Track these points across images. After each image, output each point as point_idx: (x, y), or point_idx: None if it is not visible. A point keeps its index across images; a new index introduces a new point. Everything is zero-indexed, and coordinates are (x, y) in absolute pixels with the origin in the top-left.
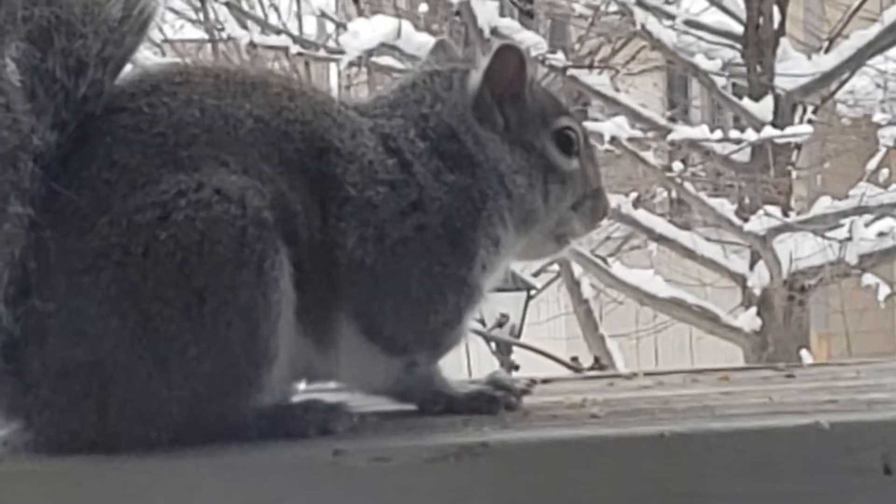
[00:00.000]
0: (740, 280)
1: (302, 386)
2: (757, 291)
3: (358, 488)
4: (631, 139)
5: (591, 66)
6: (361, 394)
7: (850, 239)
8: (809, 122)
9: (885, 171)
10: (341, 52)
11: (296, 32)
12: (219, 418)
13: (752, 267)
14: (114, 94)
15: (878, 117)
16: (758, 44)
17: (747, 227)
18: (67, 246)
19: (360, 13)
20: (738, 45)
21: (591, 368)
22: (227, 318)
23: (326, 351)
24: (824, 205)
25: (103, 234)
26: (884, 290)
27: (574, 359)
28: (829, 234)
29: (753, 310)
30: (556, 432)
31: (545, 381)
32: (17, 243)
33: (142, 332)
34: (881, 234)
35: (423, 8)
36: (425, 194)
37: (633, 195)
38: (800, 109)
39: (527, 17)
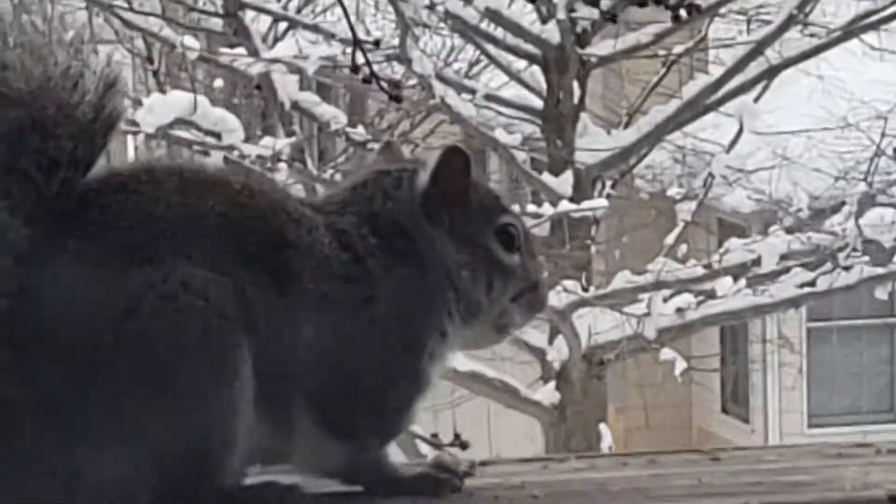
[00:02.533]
0: (539, 354)
1: (257, 468)
2: (556, 365)
3: None
4: None
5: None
6: (313, 476)
7: (648, 314)
8: (608, 196)
9: (683, 246)
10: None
11: None
12: (182, 500)
13: (551, 341)
14: (83, 190)
15: (673, 191)
16: (558, 118)
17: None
18: (38, 337)
19: (160, 86)
20: (538, 120)
21: (452, 444)
22: (193, 404)
23: (282, 435)
24: (623, 279)
25: (74, 325)
26: (681, 365)
27: (434, 435)
28: (627, 308)
29: (552, 384)
30: None
31: (483, 464)
32: None
33: (111, 418)
34: (679, 310)
35: (219, 83)
36: (378, 288)
37: None
38: (599, 184)
39: (394, 100)
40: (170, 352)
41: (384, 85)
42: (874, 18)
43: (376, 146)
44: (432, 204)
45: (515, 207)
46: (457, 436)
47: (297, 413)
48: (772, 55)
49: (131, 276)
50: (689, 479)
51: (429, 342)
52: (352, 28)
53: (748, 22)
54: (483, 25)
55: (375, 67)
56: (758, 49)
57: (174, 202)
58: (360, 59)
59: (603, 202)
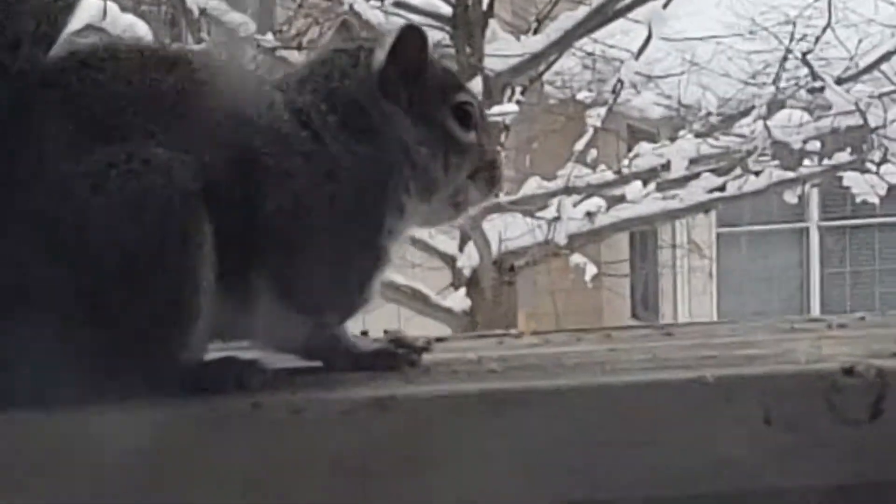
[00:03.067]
0: (450, 261)
1: (217, 344)
2: (466, 272)
3: (275, 439)
4: None
5: (299, 48)
6: (273, 351)
7: (558, 219)
8: (518, 102)
9: (593, 152)
10: None
11: None
12: (145, 374)
13: (461, 248)
14: (45, 69)
15: (583, 96)
16: (467, 25)
17: None
18: (3, 212)
19: None
20: (447, 27)
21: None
22: (155, 281)
23: (243, 311)
24: (533, 185)
25: (39, 201)
26: (591, 270)
27: (364, 333)
28: (537, 214)
29: (463, 290)
30: (459, 386)
31: (439, 340)
32: None
33: (74, 293)
34: (589, 215)
35: None
36: (336, 165)
37: None
38: (508, 90)
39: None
40: (133, 228)
41: None
42: None
43: (284, 53)
44: (389, 81)
45: None
46: (385, 332)
47: (257, 289)
48: None
49: (95, 154)
50: (643, 354)
51: (387, 218)
52: None
53: None
54: None
55: None
56: None
57: (135, 80)
58: None
59: (513, 107)
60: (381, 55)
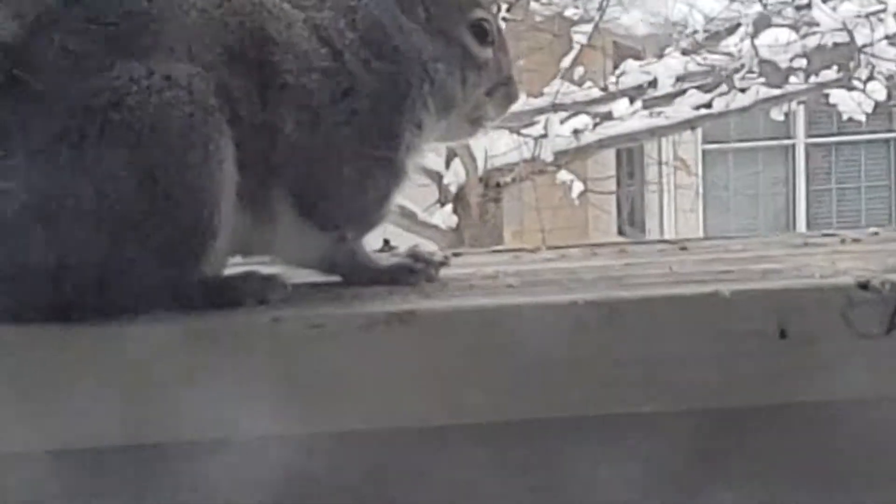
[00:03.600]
0: (436, 177)
1: (237, 259)
2: (453, 189)
3: (295, 353)
4: None
5: None
6: (292, 266)
7: (544, 136)
8: (504, 20)
9: (579, 69)
10: None
11: None
12: (166, 288)
13: (447, 164)
14: None
15: (569, 13)
16: None
17: None
18: (27, 128)
19: None
20: None
21: (381, 250)
22: (177, 195)
23: (263, 226)
24: (520, 102)
25: (61, 117)
26: (577, 188)
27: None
28: (524, 131)
29: (449, 207)
30: (478, 300)
31: (455, 255)
32: None
33: (96, 209)
34: (576, 132)
35: None
36: (356, 81)
37: None
38: (494, 7)
39: None
40: (154, 143)
41: None
42: None
43: None
44: None
45: None
46: (386, 241)
47: (277, 204)
48: None
49: (115, 70)
50: (659, 268)
51: (405, 134)
52: None
53: None
54: None
55: None
56: None
57: None
58: None
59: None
60: None
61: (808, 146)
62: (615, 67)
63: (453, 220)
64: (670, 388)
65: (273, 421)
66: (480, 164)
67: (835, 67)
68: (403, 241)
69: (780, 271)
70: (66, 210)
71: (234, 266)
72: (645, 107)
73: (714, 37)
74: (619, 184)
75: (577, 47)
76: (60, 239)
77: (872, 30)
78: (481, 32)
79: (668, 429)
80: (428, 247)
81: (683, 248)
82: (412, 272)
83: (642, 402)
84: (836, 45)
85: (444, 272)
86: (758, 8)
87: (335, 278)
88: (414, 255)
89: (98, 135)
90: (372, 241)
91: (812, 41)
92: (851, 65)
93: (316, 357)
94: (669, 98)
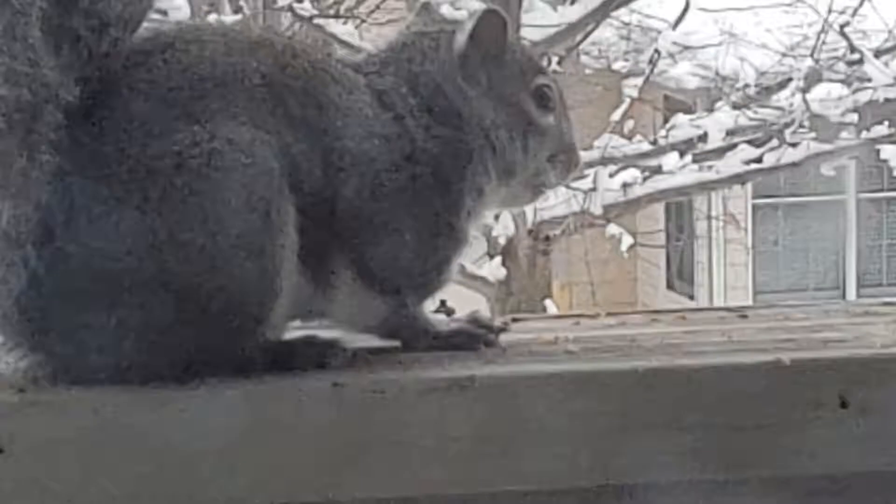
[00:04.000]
0: (485, 230)
1: (297, 323)
2: (502, 241)
3: (355, 419)
4: None
5: (336, 16)
6: (352, 331)
7: (594, 189)
8: (554, 72)
9: (629, 122)
10: None
11: None
12: (227, 352)
13: (497, 217)
14: (131, 50)
15: (619, 66)
16: None
17: None
18: (90, 192)
19: None
20: None
21: (438, 311)
22: (238, 260)
23: (323, 291)
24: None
25: (123, 180)
26: (627, 241)
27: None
28: (573, 184)
29: (498, 259)
30: (537, 367)
31: (515, 320)
32: (45, 189)
33: (158, 272)
34: (625, 185)
35: None
36: (417, 147)
37: None
38: (545, 60)
39: None
40: (216, 208)
41: None
42: None
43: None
44: (470, 64)
45: None
46: (442, 302)
47: (338, 269)
48: None
49: (178, 134)
50: (719, 336)
51: (467, 200)
52: None
53: None
54: None
55: None
56: None
57: (219, 62)
58: None
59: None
60: (462, 38)
61: (858, 202)
62: (665, 121)
63: (502, 273)
64: (731, 455)
65: (332, 485)
66: (530, 216)
67: (886, 123)
68: (450, 293)
69: (841, 340)
70: (127, 273)
71: (295, 330)
72: (695, 161)
73: (765, 91)
74: (668, 237)
75: (627, 100)
76: (121, 302)
77: None
78: (543, 99)
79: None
80: (487, 313)
81: (743, 316)
82: (472, 338)
83: (699, 469)
84: (887, 100)
85: (503, 337)
86: (809, 62)
87: (395, 343)
88: (474, 320)
89: (160, 198)
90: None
91: (864, 96)
92: None
93: (376, 422)
94: (720, 152)
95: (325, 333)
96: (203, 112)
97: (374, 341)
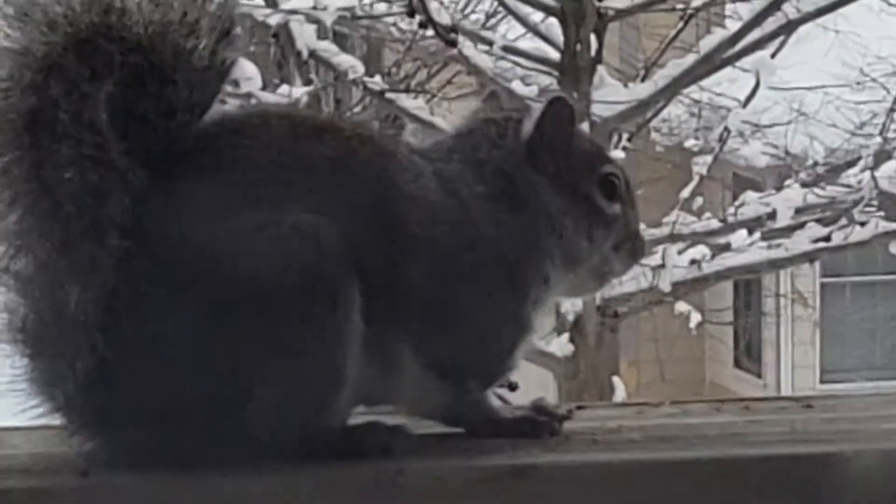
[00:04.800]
0: (555, 306)
1: (361, 408)
2: (570, 317)
3: None
4: None
5: (407, 90)
6: (416, 416)
7: (663, 266)
8: (624, 149)
9: (698, 199)
10: None
11: None
12: (293, 439)
13: None
14: (199, 133)
15: (690, 144)
16: (574, 70)
17: None
18: (154, 275)
19: None
20: (555, 72)
21: (501, 385)
22: (303, 346)
23: (388, 377)
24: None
25: (187, 265)
26: (695, 318)
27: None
28: (642, 261)
29: (566, 335)
30: (600, 456)
31: (579, 408)
32: (112, 273)
33: (222, 359)
34: (694, 262)
35: (239, 31)
36: (482, 234)
37: None
38: (615, 137)
39: (449, 45)
40: (281, 294)
41: (440, 30)
42: None
43: (392, 95)
44: (537, 152)
45: None
46: (509, 382)
47: (402, 355)
48: (789, 10)
49: (243, 218)
50: (783, 427)
51: (532, 288)
52: None
53: None
54: None
55: (390, 18)
56: (775, 4)
57: (286, 147)
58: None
59: (620, 154)
60: (529, 125)
61: None
62: (734, 198)
63: (569, 349)
64: None
65: None
66: (598, 293)
67: None
68: (518, 369)
69: None
70: (190, 359)
71: (359, 415)
72: (763, 238)
73: (834, 169)
74: (736, 315)
75: (696, 178)
76: (184, 388)
77: None
78: (610, 188)
79: None
80: (551, 400)
81: (808, 406)
82: (537, 425)
83: None
84: None
85: (567, 425)
86: (878, 140)
87: (459, 430)
88: (538, 407)
89: (223, 287)
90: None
91: None
92: None
93: None
94: (788, 230)
95: (390, 419)
96: (268, 198)
97: (439, 427)
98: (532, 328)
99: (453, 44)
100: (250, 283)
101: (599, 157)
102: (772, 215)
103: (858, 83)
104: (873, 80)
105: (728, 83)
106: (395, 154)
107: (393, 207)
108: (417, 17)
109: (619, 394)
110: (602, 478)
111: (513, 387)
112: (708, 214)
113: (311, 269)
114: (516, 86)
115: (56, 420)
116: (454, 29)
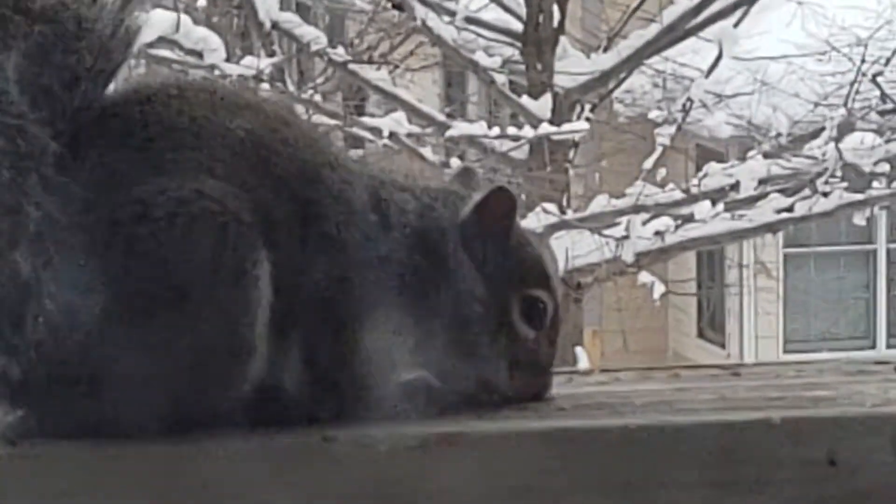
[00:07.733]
0: None
1: None
2: None
3: (345, 473)
4: (409, 135)
5: (370, 61)
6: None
7: (626, 237)
8: (587, 120)
9: (661, 171)
10: None
11: None
12: (205, 407)
13: None
14: (107, 102)
15: (653, 115)
16: (537, 42)
17: (524, 223)
18: (64, 244)
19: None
20: (518, 43)
21: None
22: (208, 314)
23: (278, 357)
24: (601, 203)
25: (90, 231)
26: (659, 289)
27: None
28: (605, 231)
29: None
30: (529, 424)
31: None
32: (29, 243)
33: (126, 326)
34: (657, 233)
35: (202, 2)
36: (394, 258)
37: None
38: (578, 108)
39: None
40: (184, 259)
41: None
42: None
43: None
44: (470, 233)
45: (495, 130)
46: None
47: (291, 343)
48: None
49: (147, 183)
50: (711, 394)
51: (415, 336)
52: None
53: None
54: None
55: None
56: None
57: (200, 116)
58: None
59: (584, 125)
60: (467, 208)
61: (889, 251)
62: (698, 169)
63: None
64: None
65: None
66: (561, 263)
67: None
68: None
69: (833, 399)
70: (95, 328)
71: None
72: (727, 209)
73: (798, 140)
74: (699, 286)
75: (659, 149)
76: (92, 356)
77: None
78: (533, 312)
79: None
80: None
81: (736, 374)
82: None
83: None
84: None
85: None
86: (842, 112)
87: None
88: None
89: (125, 250)
90: None
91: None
92: None
93: (363, 478)
94: (751, 201)
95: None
96: (174, 163)
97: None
98: (397, 370)
99: (400, 8)
100: (151, 248)
101: (536, 277)
102: (735, 186)
103: (822, 53)
104: (837, 50)
105: (692, 53)
106: (325, 149)
107: (315, 199)
108: None
109: (582, 364)
110: (529, 445)
111: None
112: (671, 185)
113: (216, 233)
114: (479, 56)
115: None
116: None
